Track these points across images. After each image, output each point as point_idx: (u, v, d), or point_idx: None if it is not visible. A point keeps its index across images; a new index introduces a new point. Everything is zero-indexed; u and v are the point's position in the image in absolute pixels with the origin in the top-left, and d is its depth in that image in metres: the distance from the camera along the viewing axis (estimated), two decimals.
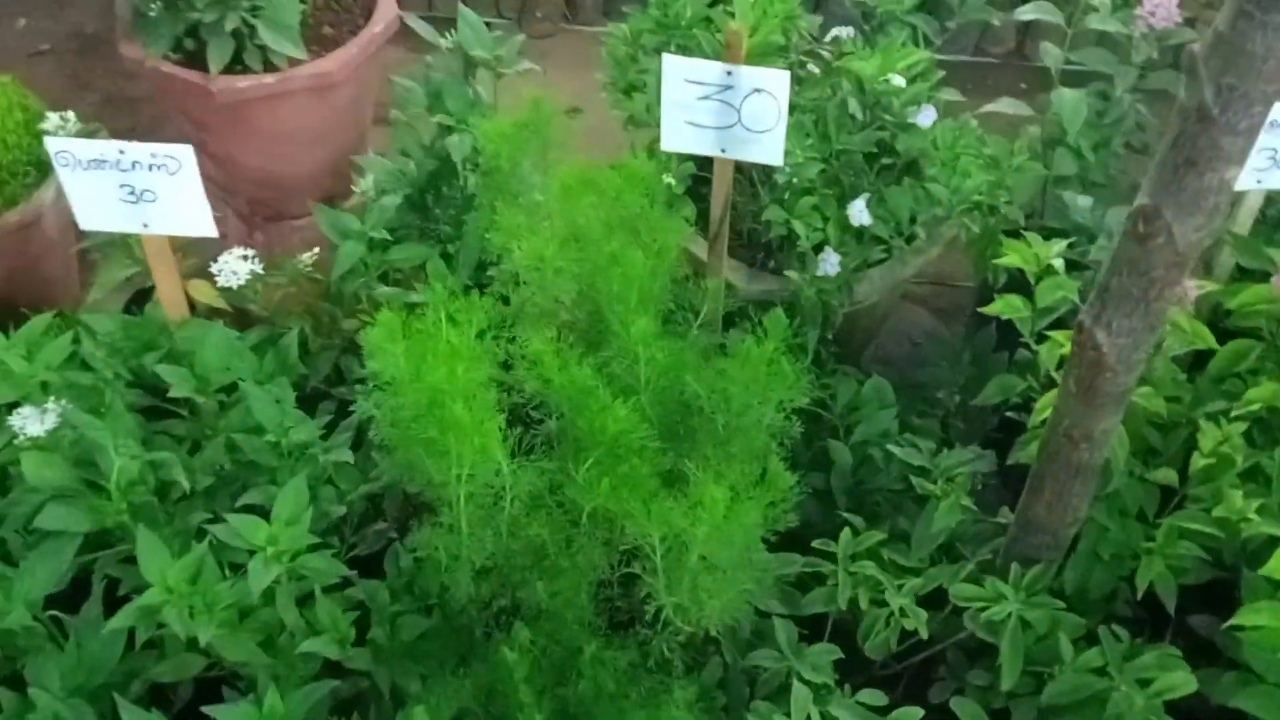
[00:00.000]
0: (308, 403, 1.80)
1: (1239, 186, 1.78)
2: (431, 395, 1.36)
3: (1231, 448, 1.56)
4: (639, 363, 1.48)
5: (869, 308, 2.10)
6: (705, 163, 1.86)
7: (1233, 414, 1.59)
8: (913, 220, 1.98)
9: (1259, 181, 1.78)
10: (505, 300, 1.71)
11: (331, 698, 1.49)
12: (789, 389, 1.49)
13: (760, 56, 1.89)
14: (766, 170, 1.97)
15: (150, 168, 1.59)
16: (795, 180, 1.91)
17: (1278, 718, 1.44)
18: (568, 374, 1.42)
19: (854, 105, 1.92)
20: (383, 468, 1.65)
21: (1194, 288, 1.62)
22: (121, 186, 1.62)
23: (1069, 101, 2.03)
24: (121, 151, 1.58)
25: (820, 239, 1.90)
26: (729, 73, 1.61)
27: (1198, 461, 1.58)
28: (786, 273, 1.90)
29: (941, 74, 2.02)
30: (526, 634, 1.41)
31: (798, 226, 1.88)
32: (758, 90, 1.62)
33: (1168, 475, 1.63)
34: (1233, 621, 1.43)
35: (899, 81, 1.86)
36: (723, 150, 1.70)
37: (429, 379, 1.37)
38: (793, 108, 1.99)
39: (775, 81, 1.60)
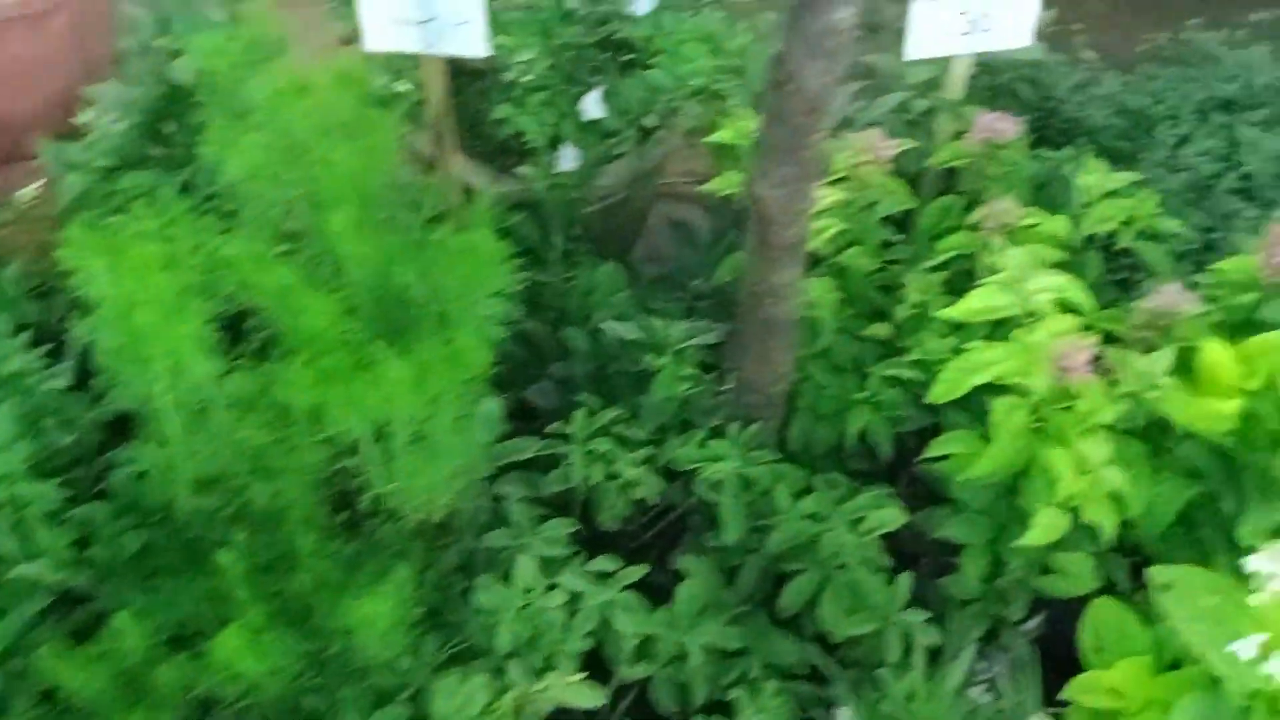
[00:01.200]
0: (47, 342, 1.75)
1: (941, 51, 1.85)
2: (125, 306, 1.35)
3: (931, 297, 1.64)
4: (342, 258, 1.48)
5: (621, 203, 2.13)
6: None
7: (930, 265, 1.67)
8: (649, 112, 2.01)
9: (965, 47, 1.85)
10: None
11: (65, 624, 1.48)
12: (499, 276, 1.51)
13: None
14: (498, 71, 1.97)
15: None
16: (525, 79, 1.92)
17: (979, 539, 1.53)
18: (266, 273, 1.42)
19: None
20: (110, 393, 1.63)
21: (892, 146, 1.68)
22: None
23: None
24: None
25: (553, 135, 1.92)
26: None
27: (901, 313, 1.66)
28: (517, 170, 1.91)
29: None
30: (244, 535, 1.41)
31: (527, 123, 1.89)
32: None
33: (882, 330, 1.70)
34: (927, 454, 1.52)
35: None
36: (428, 46, 1.70)
37: (123, 289, 1.36)
38: (524, 7, 1.99)
39: None
